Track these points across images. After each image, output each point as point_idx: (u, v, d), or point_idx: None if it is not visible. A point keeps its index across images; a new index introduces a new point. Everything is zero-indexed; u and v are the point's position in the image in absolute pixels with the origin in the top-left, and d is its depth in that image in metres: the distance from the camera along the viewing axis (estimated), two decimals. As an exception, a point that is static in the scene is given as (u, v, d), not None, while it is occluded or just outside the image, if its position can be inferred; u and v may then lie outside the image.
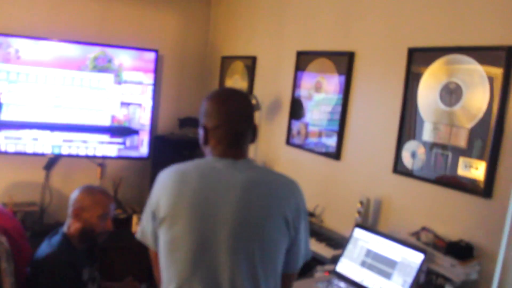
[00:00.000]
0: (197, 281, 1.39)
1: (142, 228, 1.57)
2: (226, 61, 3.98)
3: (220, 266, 1.38)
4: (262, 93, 3.47)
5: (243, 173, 1.45)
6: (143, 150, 3.77)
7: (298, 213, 1.47)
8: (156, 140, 3.84)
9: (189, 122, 4.03)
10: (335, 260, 2.32)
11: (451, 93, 2.16)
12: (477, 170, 2.04)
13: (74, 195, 2.26)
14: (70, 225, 2.21)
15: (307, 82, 3.07)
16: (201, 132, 1.53)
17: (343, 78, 2.78)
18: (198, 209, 1.41)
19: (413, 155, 2.33)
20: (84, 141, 3.58)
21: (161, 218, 1.46)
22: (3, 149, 3.38)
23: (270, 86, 3.43)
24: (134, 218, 3.57)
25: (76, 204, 2.22)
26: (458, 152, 2.12)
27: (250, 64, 3.65)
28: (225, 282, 1.38)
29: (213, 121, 1.49)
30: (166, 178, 1.51)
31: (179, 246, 1.42)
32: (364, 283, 2.13)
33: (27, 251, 2.19)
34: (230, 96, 1.55)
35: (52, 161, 3.62)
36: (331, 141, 2.85)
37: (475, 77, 2.07)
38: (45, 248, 2.15)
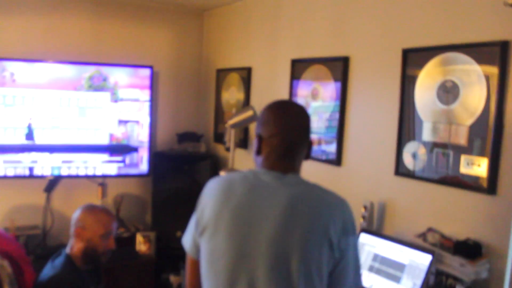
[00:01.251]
0: None
1: (186, 232, 1.58)
2: (221, 74, 3.98)
3: (258, 281, 1.35)
4: (259, 103, 3.46)
5: (290, 188, 1.42)
6: (143, 167, 3.76)
7: (344, 235, 1.40)
8: (156, 157, 3.83)
9: (187, 136, 4.01)
10: (342, 266, 2.30)
11: (448, 92, 2.16)
12: (479, 167, 2.02)
13: (75, 214, 2.25)
14: (72, 246, 2.19)
15: (304, 90, 3.06)
16: (255, 142, 1.53)
17: (339, 84, 2.77)
18: (240, 222, 1.40)
19: (414, 156, 2.32)
20: (84, 161, 3.57)
21: (203, 226, 1.47)
22: (2, 173, 3.37)
23: (267, 96, 3.42)
24: (138, 237, 3.54)
25: (78, 224, 2.20)
26: (459, 150, 2.11)
27: (246, 75, 3.65)
28: None
29: (270, 130, 1.49)
30: (213, 187, 1.52)
31: (218, 258, 1.41)
32: (373, 288, 2.10)
33: (30, 274, 2.16)
34: (289, 106, 1.57)
35: (52, 183, 3.60)
36: (331, 148, 2.84)
37: (471, 75, 2.06)
38: (48, 270, 2.12)
